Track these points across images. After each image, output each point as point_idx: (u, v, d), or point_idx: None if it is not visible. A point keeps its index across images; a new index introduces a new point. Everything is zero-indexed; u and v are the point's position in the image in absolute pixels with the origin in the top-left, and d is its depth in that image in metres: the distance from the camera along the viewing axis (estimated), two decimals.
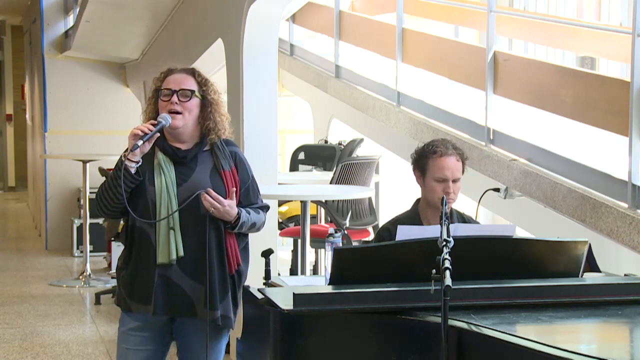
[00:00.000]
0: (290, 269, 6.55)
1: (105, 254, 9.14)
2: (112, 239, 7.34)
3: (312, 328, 2.62)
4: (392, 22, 5.88)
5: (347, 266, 2.81)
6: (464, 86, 5.21)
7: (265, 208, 3.50)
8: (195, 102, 3.35)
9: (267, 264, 3.54)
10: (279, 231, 6.11)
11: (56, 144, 10.43)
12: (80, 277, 8.51)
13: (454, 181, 3.53)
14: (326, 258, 3.39)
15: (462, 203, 4.12)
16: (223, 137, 3.42)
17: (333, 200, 5.89)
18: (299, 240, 5.51)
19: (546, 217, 4.44)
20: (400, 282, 2.74)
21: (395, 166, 7.50)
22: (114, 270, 7.87)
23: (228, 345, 5.82)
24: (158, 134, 3.26)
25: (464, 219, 3.60)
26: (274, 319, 2.63)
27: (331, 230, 3.48)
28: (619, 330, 2.60)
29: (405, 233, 2.91)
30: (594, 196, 3.71)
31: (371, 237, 6.29)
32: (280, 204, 6.67)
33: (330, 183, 5.93)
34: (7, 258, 9.94)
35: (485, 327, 2.40)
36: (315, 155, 7.45)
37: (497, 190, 4.46)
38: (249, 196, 3.44)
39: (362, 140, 7.13)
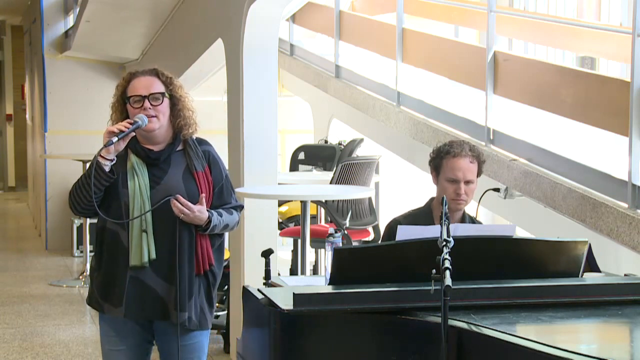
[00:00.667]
0: (290, 269, 6.55)
1: None
2: None
3: (312, 328, 2.62)
4: (392, 22, 5.88)
5: (347, 266, 2.81)
6: (464, 86, 5.21)
7: (239, 207, 3.48)
8: (166, 103, 3.34)
9: (267, 264, 3.54)
10: (279, 231, 6.11)
11: (56, 144, 10.43)
12: (80, 277, 8.51)
13: (467, 183, 3.53)
14: (326, 258, 3.39)
15: None
16: (195, 132, 3.41)
17: (333, 200, 5.89)
18: (299, 240, 5.51)
19: (546, 217, 4.44)
20: (400, 282, 2.74)
21: (395, 166, 7.50)
22: None
23: (228, 345, 5.86)
24: (133, 134, 3.25)
25: (474, 222, 3.61)
26: (274, 319, 2.63)
27: (331, 230, 3.49)
28: (619, 330, 2.60)
29: (405, 233, 2.91)
30: (594, 196, 3.71)
31: (371, 237, 6.29)
32: (280, 204, 6.67)
33: (330, 183, 5.93)
34: (7, 258, 9.94)
35: (485, 327, 2.40)
36: (315, 155, 7.45)
37: (497, 190, 4.46)
38: (222, 196, 3.42)
39: (362, 140, 7.12)
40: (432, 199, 3.68)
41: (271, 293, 2.81)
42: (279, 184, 5.65)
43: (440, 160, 3.58)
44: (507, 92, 4.65)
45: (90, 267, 3.46)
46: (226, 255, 5.08)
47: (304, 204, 5.03)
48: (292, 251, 6.50)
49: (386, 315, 2.59)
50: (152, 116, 3.29)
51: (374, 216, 6.31)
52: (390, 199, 7.61)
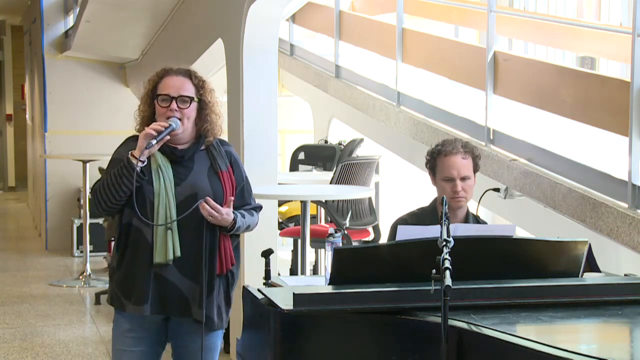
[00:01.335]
0: (290, 269, 6.54)
1: (105, 254, 9.14)
2: (112, 239, 7.31)
3: (312, 328, 2.62)
4: (392, 22, 5.88)
5: (347, 266, 2.81)
6: (464, 86, 5.21)
7: (258, 208, 3.53)
8: (193, 107, 3.36)
9: (267, 264, 3.54)
10: (279, 231, 6.11)
11: (56, 144, 10.43)
12: (80, 277, 8.51)
13: (463, 179, 3.53)
14: (326, 258, 3.39)
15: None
16: (218, 136, 3.43)
17: (333, 200, 5.89)
18: (299, 240, 5.51)
19: (546, 217, 4.44)
20: (400, 282, 2.74)
21: (395, 166, 7.50)
22: None
23: (228, 345, 5.86)
24: (168, 137, 3.27)
25: (478, 222, 3.61)
26: (274, 319, 2.63)
27: (331, 230, 3.49)
28: (619, 330, 2.60)
29: (405, 233, 2.91)
30: (594, 196, 3.71)
31: (371, 237, 6.29)
32: (280, 204, 6.67)
33: (330, 183, 5.93)
34: (7, 258, 9.94)
35: (486, 327, 2.40)
36: (315, 155, 7.45)
37: (497, 190, 4.46)
38: (243, 196, 3.46)
39: (362, 140, 7.12)
40: (436, 199, 3.69)
41: (271, 293, 2.81)
42: (279, 184, 5.65)
43: (434, 161, 3.60)
44: (507, 92, 4.65)
45: (110, 265, 3.47)
46: None
47: (304, 204, 5.03)
48: (292, 251, 6.50)
49: (386, 315, 2.59)
50: (177, 118, 3.31)
51: (374, 216, 6.31)
52: (390, 199, 7.61)
